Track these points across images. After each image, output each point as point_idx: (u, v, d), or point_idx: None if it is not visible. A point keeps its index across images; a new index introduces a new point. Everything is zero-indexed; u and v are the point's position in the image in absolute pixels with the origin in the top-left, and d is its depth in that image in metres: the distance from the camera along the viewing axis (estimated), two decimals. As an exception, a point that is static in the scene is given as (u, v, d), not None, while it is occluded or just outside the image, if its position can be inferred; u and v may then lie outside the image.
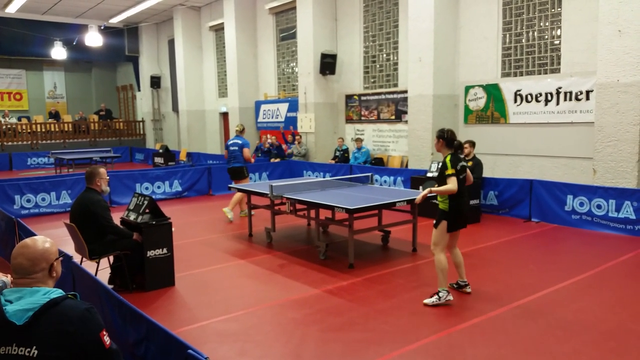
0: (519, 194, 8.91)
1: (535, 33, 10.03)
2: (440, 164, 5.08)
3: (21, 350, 2.02)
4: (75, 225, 5.22)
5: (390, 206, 6.66)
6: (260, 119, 16.86)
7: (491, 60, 10.71)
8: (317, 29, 13.85)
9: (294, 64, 15.81)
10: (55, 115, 23.42)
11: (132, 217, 5.63)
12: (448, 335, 4.30)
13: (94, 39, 18.99)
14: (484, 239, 7.62)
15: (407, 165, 11.98)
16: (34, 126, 21.73)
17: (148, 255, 5.48)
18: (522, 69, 10.30)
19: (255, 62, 17.37)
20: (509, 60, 10.51)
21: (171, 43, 21.12)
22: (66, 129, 22.37)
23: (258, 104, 17.12)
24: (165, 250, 5.61)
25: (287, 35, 16.15)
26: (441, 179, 5.00)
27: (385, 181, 11.27)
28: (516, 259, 6.58)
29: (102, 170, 5.46)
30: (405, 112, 12.17)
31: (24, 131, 21.40)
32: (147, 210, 5.57)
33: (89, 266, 5.23)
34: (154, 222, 5.55)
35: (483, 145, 10.04)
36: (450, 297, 5.02)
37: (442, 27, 10.89)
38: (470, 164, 8.95)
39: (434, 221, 5.10)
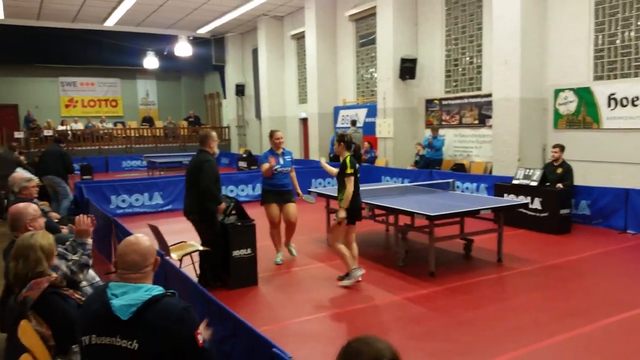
0: (613, 203, 8.35)
1: (632, 33, 9.40)
2: (340, 164, 5.71)
3: (124, 342, 2.17)
4: (189, 185, 5.72)
5: (473, 214, 6.49)
6: (338, 125, 16.99)
7: (582, 62, 10.15)
8: (397, 34, 13.78)
9: (373, 69, 15.81)
10: (149, 120, 25.02)
11: (219, 218, 5.88)
12: (535, 351, 4.12)
13: (183, 49, 20.08)
14: (575, 250, 7.22)
15: (491, 172, 11.61)
16: (128, 131, 23.26)
17: (233, 255, 5.70)
18: (616, 71, 9.68)
19: (335, 68, 17.54)
20: (601, 62, 9.92)
21: (255, 52, 21.82)
22: (158, 134, 23.74)
23: (337, 110, 17.26)
24: (249, 251, 5.81)
25: (366, 41, 16.18)
26: (341, 177, 5.68)
27: (467, 188, 10.97)
28: (610, 273, 6.18)
29: (214, 133, 5.91)
30: (489, 117, 11.80)
31: (119, 136, 22.98)
32: (232, 212, 5.82)
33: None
34: (239, 224, 5.78)
35: (574, 152, 9.53)
36: (360, 272, 5.79)
37: (529, 28, 10.47)
38: (560, 170, 8.53)
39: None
